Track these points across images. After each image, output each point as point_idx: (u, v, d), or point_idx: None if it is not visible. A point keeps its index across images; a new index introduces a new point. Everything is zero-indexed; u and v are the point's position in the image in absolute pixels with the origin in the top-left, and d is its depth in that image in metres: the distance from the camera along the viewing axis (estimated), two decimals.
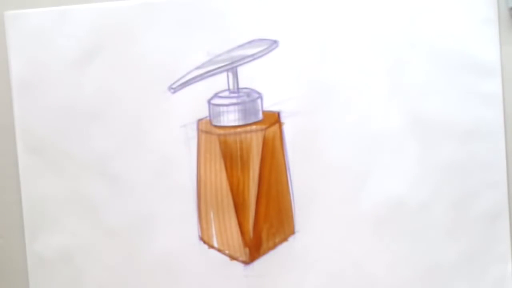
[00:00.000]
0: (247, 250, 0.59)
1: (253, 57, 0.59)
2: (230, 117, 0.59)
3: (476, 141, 0.58)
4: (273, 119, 0.59)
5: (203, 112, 0.60)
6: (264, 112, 0.59)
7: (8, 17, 0.61)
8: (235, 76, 0.59)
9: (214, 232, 0.60)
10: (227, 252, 0.60)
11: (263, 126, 0.59)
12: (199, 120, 0.60)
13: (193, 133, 0.60)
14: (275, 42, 0.59)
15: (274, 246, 0.59)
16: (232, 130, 0.59)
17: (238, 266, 0.60)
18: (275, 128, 0.59)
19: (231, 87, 0.59)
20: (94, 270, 0.61)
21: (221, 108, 0.59)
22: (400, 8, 0.58)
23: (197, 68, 0.59)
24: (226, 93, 0.59)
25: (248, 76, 0.59)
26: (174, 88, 0.60)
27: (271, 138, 0.59)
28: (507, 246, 0.58)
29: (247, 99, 0.59)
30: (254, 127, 0.59)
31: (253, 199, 0.59)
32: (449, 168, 0.58)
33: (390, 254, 0.58)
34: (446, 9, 0.58)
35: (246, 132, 0.59)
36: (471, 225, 0.58)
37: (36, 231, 0.61)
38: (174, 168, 0.60)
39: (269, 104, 0.59)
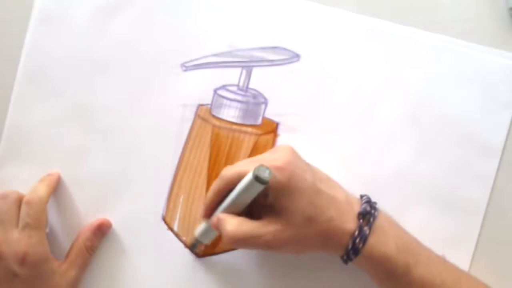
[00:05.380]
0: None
1: (272, 63, 0.59)
2: (230, 112, 0.59)
3: (454, 212, 0.58)
4: (270, 128, 0.59)
5: (206, 99, 0.60)
6: (264, 118, 0.59)
7: None
8: (249, 75, 0.59)
9: (178, 216, 0.60)
10: (183, 239, 0.59)
11: (259, 132, 0.59)
12: (200, 105, 0.60)
13: (190, 115, 0.60)
14: (297, 55, 0.59)
15: (230, 249, 0.59)
16: (228, 125, 0.59)
17: (189, 256, 0.59)
18: (269, 137, 0.59)
19: (241, 84, 0.59)
20: (57, 217, 0.61)
21: (225, 101, 0.59)
22: (419, 64, 0.58)
23: (215, 55, 0.59)
24: (234, 88, 0.59)
25: (261, 79, 0.59)
26: (187, 67, 0.60)
27: (263, 146, 0.59)
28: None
29: (252, 100, 0.59)
30: (249, 129, 0.59)
31: None
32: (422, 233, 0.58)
33: None
34: (467, 82, 0.58)
35: (240, 131, 0.59)
36: None
37: (6, 158, 0.61)
38: (161, 142, 0.60)
39: (271, 113, 0.59)
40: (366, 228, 0.51)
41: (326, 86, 0.59)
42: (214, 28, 0.60)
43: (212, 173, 0.59)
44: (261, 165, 0.49)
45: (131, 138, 0.60)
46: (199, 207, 0.59)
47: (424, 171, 0.58)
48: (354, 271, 0.54)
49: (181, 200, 0.60)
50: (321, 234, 0.51)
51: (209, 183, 0.59)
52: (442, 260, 0.54)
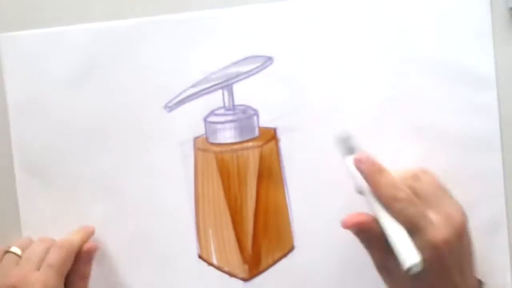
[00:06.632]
0: (246, 266, 0.60)
1: (248, 74, 0.59)
2: (227, 134, 0.59)
3: (473, 152, 0.57)
4: (270, 136, 0.59)
5: (200, 130, 0.60)
6: (260, 129, 0.59)
7: (3, 39, 0.61)
8: (231, 93, 0.59)
9: (213, 249, 0.60)
10: (226, 269, 0.60)
11: (260, 143, 0.59)
12: (196, 138, 0.60)
13: (190, 151, 0.60)
14: (269, 58, 0.59)
15: (274, 262, 0.59)
16: (228, 147, 0.59)
17: (237, 283, 0.60)
18: (271, 144, 0.59)
19: (226, 104, 0.59)
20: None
21: (217, 126, 0.59)
22: (395, 21, 0.58)
23: (193, 86, 0.60)
24: (222, 111, 0.59)
25: (244, 93, 0.59)
26: (170, 107, 0.60)
27: (268, 154, 0.59)
28: (506, 257, 0.58)
29: (243, 116, 0.59)
30: (250, 143, 0.59)
31: (251, 215, 0.59)
32: (446, 180, 0.58)
33: None
34: (440, 22, 0.57)
35: (242, 149, 0.59)
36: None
37: None
38: (172, 186, 0.60)
39: (265, 121, 0.59)
40: None
41: (304, 81, 0.58)
42: (183, 61, 0.60)
43: (230, 198, 0.59)
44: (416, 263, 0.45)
45: (143, 194, 0.60)
46: (230, 234, 0.60)
47: (431, 122, 0.58)
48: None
49: (210, 233, 0.60)
50: None
51: (230, 209, 0.59)
52: None
